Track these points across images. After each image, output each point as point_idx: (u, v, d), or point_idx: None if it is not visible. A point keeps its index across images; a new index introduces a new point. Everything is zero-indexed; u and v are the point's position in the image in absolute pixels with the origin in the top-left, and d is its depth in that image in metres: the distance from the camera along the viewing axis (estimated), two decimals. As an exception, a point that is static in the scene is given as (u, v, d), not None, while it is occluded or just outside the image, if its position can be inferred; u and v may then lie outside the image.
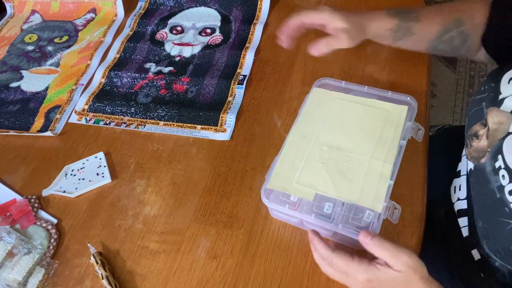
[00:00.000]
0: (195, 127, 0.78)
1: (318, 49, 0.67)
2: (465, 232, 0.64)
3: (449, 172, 0.75)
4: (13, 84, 0.89)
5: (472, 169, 0.59)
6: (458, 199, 0.66)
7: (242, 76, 0.84)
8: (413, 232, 0.61)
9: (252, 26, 0.94)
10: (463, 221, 0.64)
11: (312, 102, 0.72)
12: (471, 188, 0.60)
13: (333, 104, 0.71)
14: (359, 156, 0.63)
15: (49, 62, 0.93)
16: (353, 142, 0.65)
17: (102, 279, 0.59)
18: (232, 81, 0.84)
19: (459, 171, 0.67)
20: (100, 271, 0.60)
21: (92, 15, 1.03)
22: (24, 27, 1.02)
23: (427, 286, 0.50)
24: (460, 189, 0.66)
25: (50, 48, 0.96)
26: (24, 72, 0.91)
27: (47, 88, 0.88)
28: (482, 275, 0.62)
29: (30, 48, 0.97)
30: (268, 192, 0.62)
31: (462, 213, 0.65)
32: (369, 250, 0.51)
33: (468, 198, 0.63)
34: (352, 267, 0.51)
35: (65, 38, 0.98)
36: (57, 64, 0.92)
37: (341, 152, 0.64)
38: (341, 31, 0.66)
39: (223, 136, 0.76)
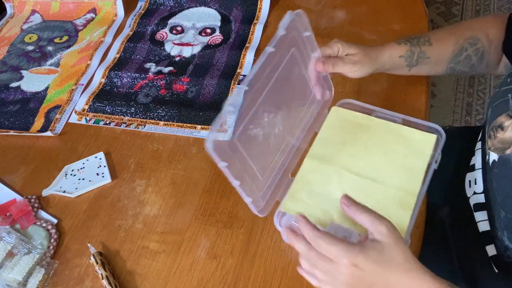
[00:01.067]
0: (195, 127, 0.78)
1: (324, 66, 0.64)
2: (482, 226, 0.64)
3: (450, 173, 0.75)
4: (13, 84, 0.89)
5: (496, 160, 0.58)
6: (475, 193, 0.66)
7: (242, 76, 0.84)
8: (413, 233, 0.61)
9: (252, 26, 0.94)
10: (480, 215, 0.64)
11: (331, 121, 0.68)
12: (494, 180, 0.60)
13: (356, 126, 0.67)
14: (381, 185, 0.59)
15: (49, 62, 0.93)
16: (376, 169, 0.61)
17: (102, 279, 0.59)
18: (232, 81, 0.84)
19: (473, 165, 0.67)
20: (100, 271, 0.60)
21: (92, 15, 1.03)
22: (24, 27, 1.02)
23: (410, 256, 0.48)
24: (476, 183, 0.66)
25: (50, 48, 0.96)
26: (24, 72, 0.91)
27: (47, 88, 0.88)
28: (497, 271, 0.62)
29: (30, 48, 0.97)
30: (281, 216, 0.60)
31: (479, 207, 0.65)
32: (350, 214, 0.50)
33: (486, 191, 0.63)
34: (339, 249, 0.47)
35: (65, 38, 0.98)
36: (57, 64, 0.92)
37: (363, 180, 0.60)
38: (349, 58, 0.65)
39: (224, 136, 0.75)
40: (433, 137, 0.63)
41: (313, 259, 0.50)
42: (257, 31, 0.93)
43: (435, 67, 0.70)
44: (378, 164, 0.62)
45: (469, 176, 0.68)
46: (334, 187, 0.61)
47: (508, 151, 0.56)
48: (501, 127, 0.58)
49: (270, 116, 0.64)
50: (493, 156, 0.59)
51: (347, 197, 0.52)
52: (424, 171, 0.60)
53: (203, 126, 0.78)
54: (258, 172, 0.60)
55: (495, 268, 0.62)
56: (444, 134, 0.64)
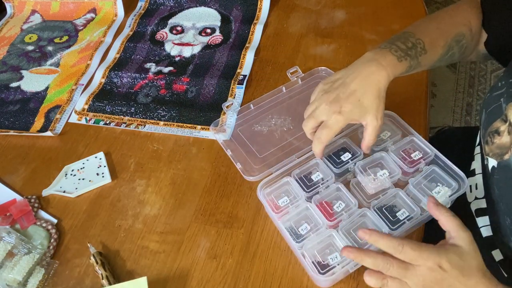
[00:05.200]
0: (195, 127, 0.78)
1: (368, 147, 0.63)
2: (485, 231, 0.63)
3: None
4: (13, 84, 0.89)
5: (496, 166, 0.58)
6: (476, 198, 0.65)
7: (242, 76, 0.84)
8: (413, 233, 0.61)
9: (252, 26, 0.94)
10: (482, 221, 0.64)
11: None
12: (496, 187, 0.59)
13: None
14: None
15: (49, 62, 0.93)
16: None
17: (102, 279, 0.59)
18: (232, 81, 0.84)
19: (473, 170, 0.67)
20: (100, 271, 0.60)
21: (92, 15, 1.03)
22: (24, 27, 1.02)
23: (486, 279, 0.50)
24: (476, 188, 0.65)
25: (50, 48, 0.96)
26: (24, 72, 0.91)
27: (47, 88, 0.88)
28: (506, 275, 0.61)
29: (30, 48, 0.97)
30: (264, 187, 0.64)
31: (480, 212, 0.64)
32: (435, 213, 0.52)
33: (487, 196, 0.63)
34: (426, 251, 0.49)
35: (65, 38, 0.98)
36: (57, 64, 0.92)
37: None
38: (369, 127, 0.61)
39: (223, 136, 0.75)
40: None
41: (387, 266, 0.50)
42: (257, 31, 0.93)
43: (421, 69, 0.66)
44: None
45: (470, 181, 0.67)
46: None
47: (506, 156, 0.55)
48: (497, 132, 0.57)
49: (278, 120, 0.76)
50: (492, 162, 0.59)
51: (434, 199, 0.54)
52: None
53: (203, 126, 0.78)
54: (257, 152, 0.72)
55: (504, 273, 0.62)
56: (466, 183, 0.62)
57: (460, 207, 0.70)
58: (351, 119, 0.60)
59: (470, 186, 0.67)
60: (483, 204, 0.63)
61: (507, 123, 0.55)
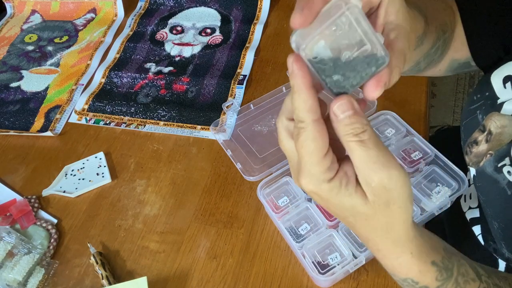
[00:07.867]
0: (195, 127, 0.78)
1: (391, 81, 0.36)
2: (481, 240, 0.64)
3: None
4: (13, 84, 0.89)
5: (475, 174, 0.58)
6: (470, 208, 0.66)
7: (242, 76, 0.84)
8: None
9: (252, 26, 0.94)
10: (477, 229, 0.64)
11: None
12: (481, 193, 0.59)
13: None
14: None
15: (49, 62, 0.93)
16: None
17: (102, 279, 0.59)
18: (232, 81, 0.84)
19: (468, 180, 0.67)
20: (100, 271, 0.60)
21: (92, 15, 1.03)
22: (24, 27, 1.02)
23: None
24: (470, 198, 0.66)
25: (50, 48, 0.96)
26: (24, 72, 0.91)
27: (47, 88, 0.88)
28: None
29: (30, 48, 0.97)
30: (264, 187, 0.64)
31: (475, 221, 0.64)
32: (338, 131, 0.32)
33: (479, 205, 0.63)
34: (309, 165, 0.33)
35: (65, 38, 0.98)
36: (57, 64, 0.92)
37: None
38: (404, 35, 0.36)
39: (223, 136, 0.76)
40: None
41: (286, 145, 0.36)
42: (257, 31, 0.93)
43: (413, 56, 0.53)
44: None
45: (465, 191, 0.67)
46: None
47: (481, 163, 0.56)
48: (475, 142, 0.58)
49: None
50: (472, 171, 0.60)
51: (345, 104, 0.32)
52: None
53: (203, 126, 0.78)
54: (257, 152, 0.72)
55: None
56: (466, 183, 0.61)
57: (456, 216, 0.70)
58: None
59: (464, 196, 0.67)
60: (477, 213, 0.64)
61: (485, 133, 0.56)
